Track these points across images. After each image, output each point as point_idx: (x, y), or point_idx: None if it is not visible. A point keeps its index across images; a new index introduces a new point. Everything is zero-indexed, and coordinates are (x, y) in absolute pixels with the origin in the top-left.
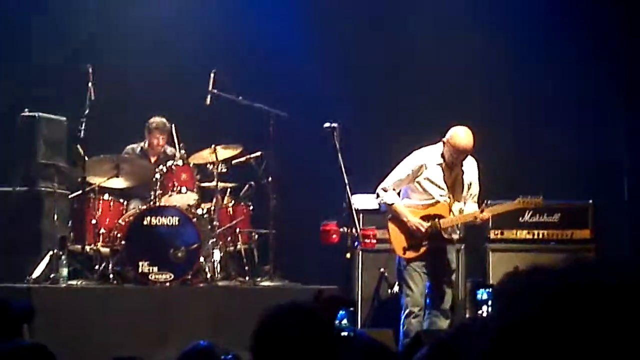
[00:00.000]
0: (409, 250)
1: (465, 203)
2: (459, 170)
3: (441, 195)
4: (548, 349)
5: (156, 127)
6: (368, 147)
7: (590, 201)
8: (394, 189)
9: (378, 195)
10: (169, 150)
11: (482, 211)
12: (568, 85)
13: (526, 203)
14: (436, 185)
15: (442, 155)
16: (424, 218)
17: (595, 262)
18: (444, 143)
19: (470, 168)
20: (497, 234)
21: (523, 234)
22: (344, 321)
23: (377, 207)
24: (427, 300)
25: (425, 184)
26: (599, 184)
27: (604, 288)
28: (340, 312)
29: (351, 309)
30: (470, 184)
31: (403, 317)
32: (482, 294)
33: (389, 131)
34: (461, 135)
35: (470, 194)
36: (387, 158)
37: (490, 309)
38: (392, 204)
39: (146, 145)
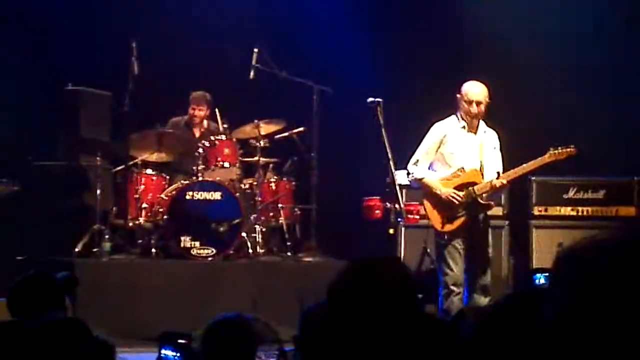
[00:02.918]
0: (447, 224)
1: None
2: (481, 136)
3: (469, 163)
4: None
5: (196, 98)
6: (412, 123)
7: (636, 178)
8: (422, 165)
9: (409, 173)
10: (212, 125)
11: (497, 177)
12: (615, 58)
13: (558, 155)
14: (461, 153)
15: (461, 120)
16: (458, 188)
17: None
18: (457, 105)
19: (491, 136)
20: (541, 211)
21: (567, 210)
22: None
23: (408, 184)
24: (466, 277)
25: (451, 154)
26: None
27: None
28: None
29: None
30: (495, 148)
31: (442, 295)
32: (539, 279)
33: (432, 107)
34: (469, 83)
35: (494, 160)
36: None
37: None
38: (422, 178)
39: (189, 117)
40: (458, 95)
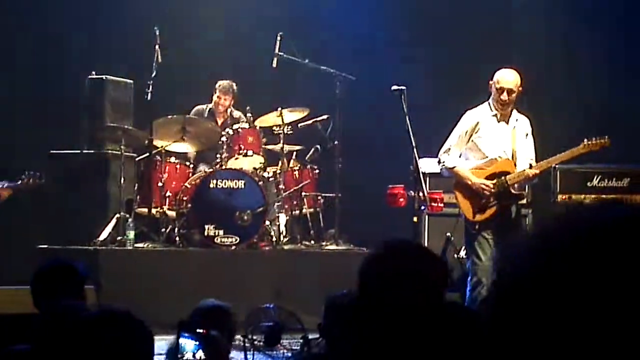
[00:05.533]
0: (478, 213)
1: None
2: (513, 124)
3: (501, 152)
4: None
5: (221, 87)
6: (436, 110)
7: None
8: (454, 153)
9: (440, 161)
10: (236, 113)
11: (530, 167)
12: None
13: (593, 145)
14: (493, 142)
15: (493, 108)
16: (489, 177)
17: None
18: (489, 91)
19: (523, 123)
20: (565, 199)
21: (591, 198)
22: None
23: (439, 173)
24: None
25: (483, 142)
26: None
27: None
28: None
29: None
30: (527, 135)
31: (470, 284)
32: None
33: (456, 94)
34: (501, 71)
35: (527, 148)
36: (455, 121)
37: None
38: (453, 167)
39: (213, 106)
40: (490, 82)
